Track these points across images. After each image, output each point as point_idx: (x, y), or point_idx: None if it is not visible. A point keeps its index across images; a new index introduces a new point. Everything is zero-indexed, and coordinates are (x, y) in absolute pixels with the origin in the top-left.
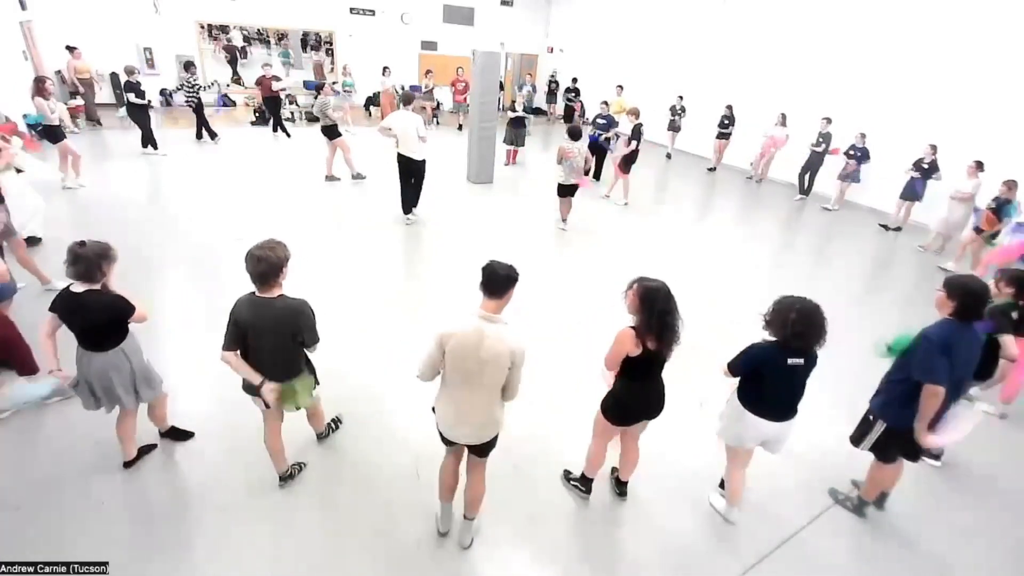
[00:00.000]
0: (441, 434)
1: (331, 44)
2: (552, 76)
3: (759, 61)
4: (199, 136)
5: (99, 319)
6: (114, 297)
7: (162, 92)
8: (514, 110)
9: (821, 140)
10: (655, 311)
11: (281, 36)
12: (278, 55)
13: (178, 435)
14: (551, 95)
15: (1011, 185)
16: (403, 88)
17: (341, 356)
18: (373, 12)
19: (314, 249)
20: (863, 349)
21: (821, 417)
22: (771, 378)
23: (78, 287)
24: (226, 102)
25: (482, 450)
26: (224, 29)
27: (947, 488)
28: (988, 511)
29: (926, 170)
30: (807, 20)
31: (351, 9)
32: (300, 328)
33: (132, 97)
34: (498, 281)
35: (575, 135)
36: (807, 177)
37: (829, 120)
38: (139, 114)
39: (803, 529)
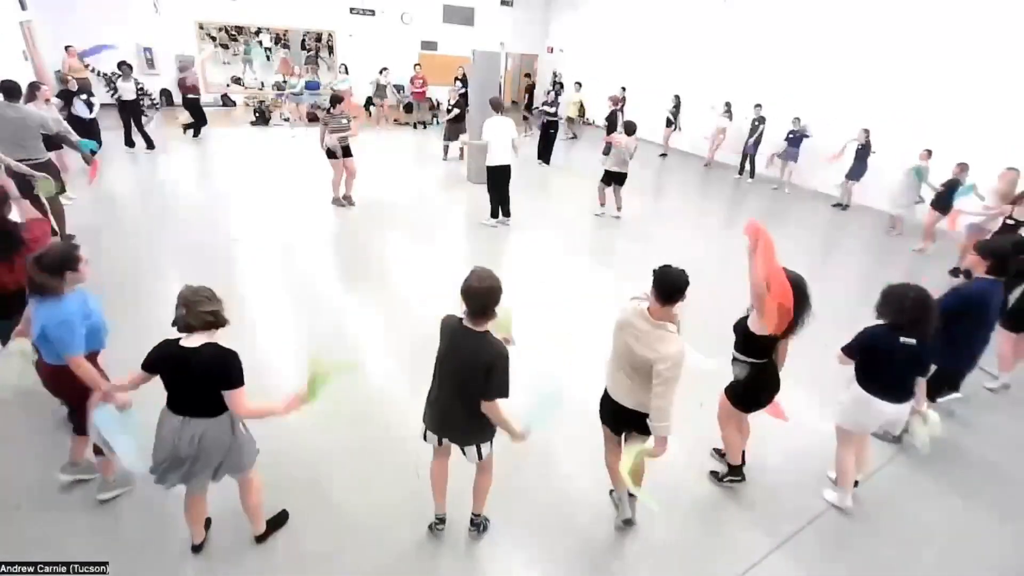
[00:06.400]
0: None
1: (331, 43)
2: (555, 77)
3: (756, 59)
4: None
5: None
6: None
7: (163, 92)
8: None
9: (757, 124)
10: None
11: (285, 44)
12: (246, 53)
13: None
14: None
15: (963, 167)
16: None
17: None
18: (373, 12)
19: (313, 250)
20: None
21: (820, 416)
22: (887, 358)
23: None
24: (225, 102)
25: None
26: (239, 29)
27: (947, 486)
28: (988, 508)
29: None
30: (805, 19)
31: (351, 9)
32: (489, 371)
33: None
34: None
35: (630, 130)
36: (748, 161)
37: (760, 106)
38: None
39: (802, 530)
